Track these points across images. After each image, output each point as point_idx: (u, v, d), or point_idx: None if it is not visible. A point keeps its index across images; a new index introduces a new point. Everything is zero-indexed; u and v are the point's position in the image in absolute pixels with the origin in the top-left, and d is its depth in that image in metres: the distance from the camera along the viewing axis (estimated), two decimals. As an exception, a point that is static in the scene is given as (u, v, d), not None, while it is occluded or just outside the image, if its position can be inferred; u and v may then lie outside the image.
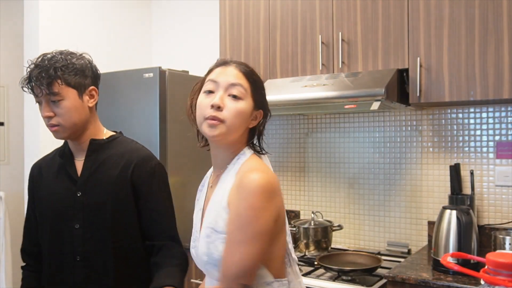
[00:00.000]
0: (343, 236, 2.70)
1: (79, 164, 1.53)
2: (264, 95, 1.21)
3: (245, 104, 1.15)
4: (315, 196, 2.82)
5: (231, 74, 1.16)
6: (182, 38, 3.41)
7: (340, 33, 2.34)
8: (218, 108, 1.12)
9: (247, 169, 1.11)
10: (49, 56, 1.44)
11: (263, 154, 1.23)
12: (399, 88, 2.20)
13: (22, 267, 1.62)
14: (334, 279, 2.10)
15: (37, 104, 1.47)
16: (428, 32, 2.14)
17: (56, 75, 1.40)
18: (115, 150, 1.54)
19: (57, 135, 1.46)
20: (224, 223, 1.10)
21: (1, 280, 3.42)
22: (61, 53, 1.46)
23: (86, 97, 1.48)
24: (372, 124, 2.64)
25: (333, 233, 2.56)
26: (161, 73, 2.51)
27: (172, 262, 1.46)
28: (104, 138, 1.55)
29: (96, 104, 1.53)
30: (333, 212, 2.74)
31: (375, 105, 2.09)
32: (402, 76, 2.21)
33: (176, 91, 2.57)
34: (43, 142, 2.78)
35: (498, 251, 1.99)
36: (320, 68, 2.40)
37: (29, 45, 2.88)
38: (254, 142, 1.22)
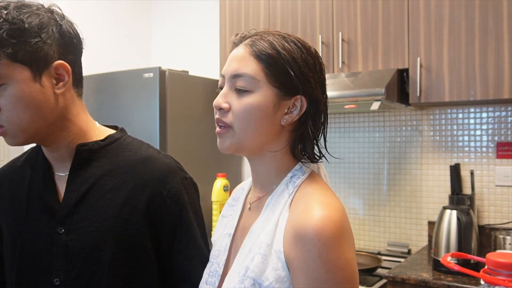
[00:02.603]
0: (343, 236, 2.70)
1: (61, 182, 0.99)
2: (303, 73, 0.82)
3: (257, 97, 0.81)
4: (315, 196, 2.81)
5: (237, 59, 0.84)
6: (182, 38, 3.40)
7: (340, 33, 2.34)
8: (221, 109, 0.84)
9: (304, 207, 0.78)
10: None
11: (316, 162, 0.89)
12: (399, 88, 2.20)
13: None
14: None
15: None
16: (428, 32, 2.14)
17: None
18: (117, 159, 1.00)
19: (7, 139, 0.93)
20: (275, 276, 0.77)
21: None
22: (6, 6, 0.88)
23: (48, 80, 0.91)
24: (372, 124, 2.64)
25: (333, 233, 2.56)
26: (161, 73, 2.50)
27: None
28: (98, 140, 1.01)
29: (81, 91, 1.00)
30: (333, 212, 2.74)
31: (375, 105, 2.09)
32: (402, 76, 2.21)
33: (176, 91, 2.57)
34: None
35: (498, 251, 1.99)
36: (320, 68, 2.40)
37: None
38: (302, 150, 0.86)
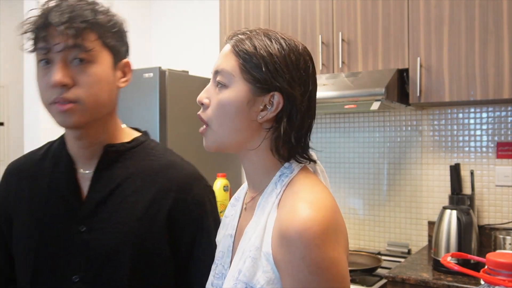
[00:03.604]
0: (343, 236, 2.70)
1: (84, 180, 0.99)
2: (278, 69, 0.80)
3: (231, 92, 0.82)
4: (315, 196, 2.81)
5: (221, 56, 0.85)
6: (182, 38, 3.40)
7: (340, 33, 2.34)
8: (203, 105, 0.86)
9: (289, 207, 0.76)
10: None
11: (312, 162, 0.88)
12: (399, 88, 2.20)
13: None
14: (334, 279, 2.09)
15: (40, 64, 0.92)
16: (428, 32, 2.14)
17: (95, 22, 0.91)
18: (141, 163, 1.01)
19: (68, 118, 0.91)
20: (265, 279, 0.76)
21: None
22: (93, 2, 0.96)
23: (118, 73, 0.99)
24: (372, 124, 2.64)
25: (333, 233, 2.56)
26: (161, 73, 2.51)
27: None
28: (125, 142, 1.03)
29: None
30: (333, 212, 2.74)
31: (375, 105, 2.09)
32: (402, 76, 2.21)
33: (176, 91, 2.57)
34: (43, 142, 2.77)
35: (498, 251, 1.99)
36: (320, 68, 2.40)
37: (29, 45, 2.88)
38: (277, 149, 0.83)
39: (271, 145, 0.83)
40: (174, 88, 2.56)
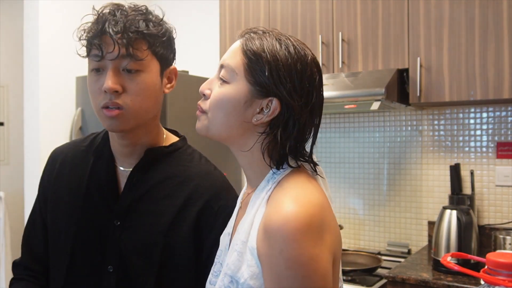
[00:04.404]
0: (343, 236, 2.70)
1: (123, 176, 1.05)
2: (281, 76, 0.80)
3: (231, 89, 0.83)
4: (315, 196, 2.81)
5: (230, 51, 0.86)
6: (182, 38, 3.39)
7: (340, 33, 2.34)
8: (204, 96, 0.88)
9: (275, 203, 0.77)
10: (131, 6, 1.00)
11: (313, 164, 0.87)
12: (399, 88, 2.20)
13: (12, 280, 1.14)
14: (334, 279, 2.09)
15: (93, 72, 0.98)
16: (428, 32, 2.14)
17: (148, 34, 0.97)
18: (177, 168, 1.07)
19: (115, 123, 0.97)
20: (249, 273, 0.76)
21: (1, 280, 3.42)
22: (145, 7, 1.03)
23: (165, 79, 1.05)
24: (372, 124, 2.64)
25: (333, 233, 2.56)
26: (161, 73, 2.51)
27: None
28: (164, 146, 1.09)
29: None
30: (333, 212, 2.74)
31: (375, 105, 2.09)
32: (402, 76, 2.21)
33: (176, 91, 2.56)
34: (43, 142, 2.78)
35: (498, 251, 1.99)
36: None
37: (29, 45, 2.88)
38: (269, 155, 0.83)
39: (263, 150, 0.83)
40: (174, 88, 2.56)
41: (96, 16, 0.97)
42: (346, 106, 2.29)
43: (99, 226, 1.02)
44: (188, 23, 3.37)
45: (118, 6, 0.98)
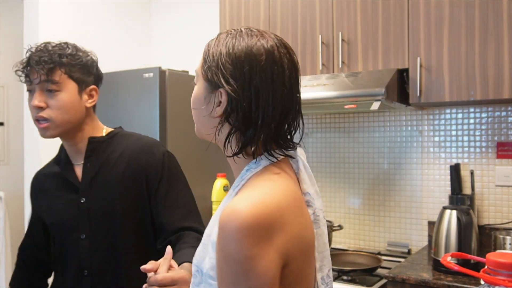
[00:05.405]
0: (343, 236, 2.70)
1: (79, 169, 1.39)
2: (221, 68, 0.83)
3: (196, 88, 0.91)
4: (315, 196, 2.81)
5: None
6: (182, 38, 3.40)
7: (340, 33, 2.34)
8: None
9: (232, 200, 0.78)
10: (54, 43, 1.34)
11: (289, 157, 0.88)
12: (399, 88, 2.20)
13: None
14: (334, 279, 2.09)
15: (28, 92, 1.33)
16: (428, 32, 2.14)
17: (60, 62, 1.29)
18: (117, 146, 1.39)
19: (44, 132, 1.32)
20: (210, 264, 0.81)
21: (1, 280, 3.42)
22: (67, 44, 1.36)
23: (85, 96, 1.36)
24: (372, 124, 2.64)
25: (333, 233, 2.56)
26: (161, 73, 2.50)
27: (189, 243, 1.22)
28: (104, 135, 1.42)
29: (95, 106, 1.41)
30: (333, 212, 2.74)
31: (375, 105, 2.09)
32: (402, 76, 2.21)
33: (176, 91, 2.57)
34: (43, 142, 2.77)
35: (498, 251, 1.99)
36: (320, 68, 2.40)
37: (29, 45, 2.88)
38: (230, 144, 0.85)
39: (224, 141, 0.85)
40: (174, 88, 2.56)
41: (28, 53, 1.31)
42: (346, 106, 2.29)
43: (71, 207, 1.35)
44: (188, 23, 3.37)
45: (45, 45, 1.33)
